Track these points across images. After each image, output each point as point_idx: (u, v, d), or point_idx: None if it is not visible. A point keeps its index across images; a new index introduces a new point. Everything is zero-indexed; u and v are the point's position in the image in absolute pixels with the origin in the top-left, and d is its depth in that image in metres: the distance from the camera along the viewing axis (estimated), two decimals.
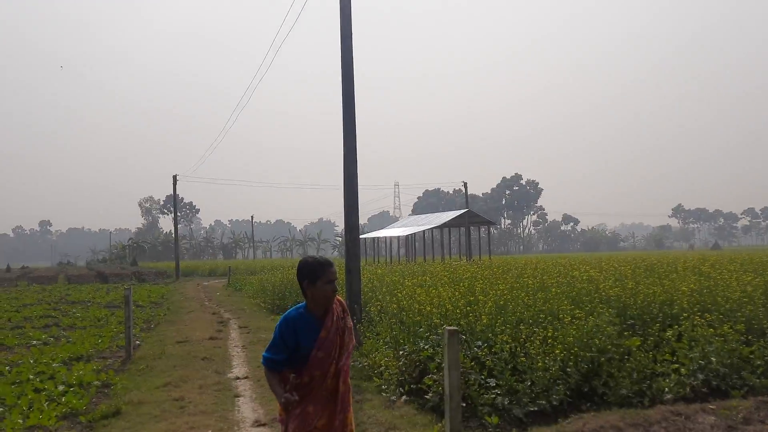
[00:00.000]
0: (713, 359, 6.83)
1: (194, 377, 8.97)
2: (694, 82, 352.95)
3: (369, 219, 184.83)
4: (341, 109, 11.98)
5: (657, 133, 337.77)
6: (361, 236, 53.35)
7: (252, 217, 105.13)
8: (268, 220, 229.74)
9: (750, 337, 7.68)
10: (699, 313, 8.16)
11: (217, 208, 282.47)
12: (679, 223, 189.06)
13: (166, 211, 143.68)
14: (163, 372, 9.43)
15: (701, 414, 5.83)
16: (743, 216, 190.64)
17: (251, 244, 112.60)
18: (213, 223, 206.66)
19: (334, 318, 3.50)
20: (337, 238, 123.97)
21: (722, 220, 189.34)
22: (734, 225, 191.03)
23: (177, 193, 48.70)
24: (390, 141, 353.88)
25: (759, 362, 6.99)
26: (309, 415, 3.41)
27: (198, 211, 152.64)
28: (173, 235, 53.97)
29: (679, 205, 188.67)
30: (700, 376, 6.73)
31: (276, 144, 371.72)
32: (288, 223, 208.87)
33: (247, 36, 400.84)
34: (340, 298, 3.64)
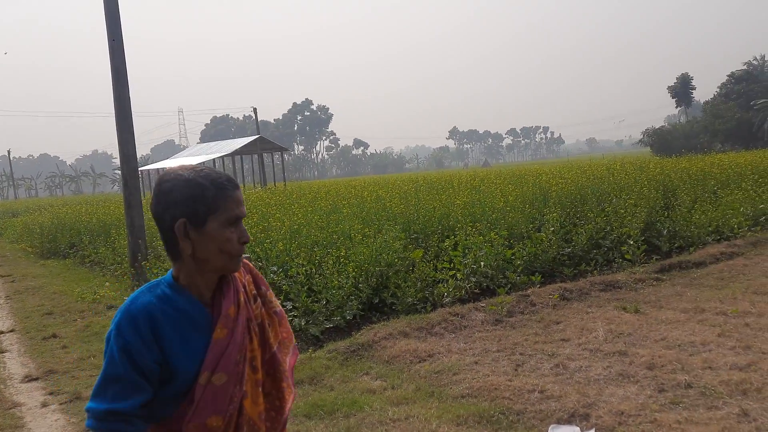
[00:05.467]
0: (482, 263, 7.69)
1: None
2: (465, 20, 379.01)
3: (153, 149, 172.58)
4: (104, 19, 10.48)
5: (433, 65, 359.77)
6: (143, 168, 49.61)
7: (9, 151, 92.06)
8: (30, 155, 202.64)
9: (512, 240, 8.77)
10: (471, 224, 9.08)
11: None
12: (455, 144, 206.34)
13: None
14: None
15: (474, 312, 6.57)
16: (507, 136, 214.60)
17: (11, 183, 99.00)
18: None
19: (240, 298, 1.65)
20: (116, 172, 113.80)
21: (490, 140, 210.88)
22: (500, 144, 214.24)
23: None
24: (172, 63, 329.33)
25: (519, 262, 8.03)
26: None
27: None
28: None
29: (454, 127, 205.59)
30: (473, 279, 7.56)
31: (35, 65, 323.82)
32: (55, 156, 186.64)
33: None
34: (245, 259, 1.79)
